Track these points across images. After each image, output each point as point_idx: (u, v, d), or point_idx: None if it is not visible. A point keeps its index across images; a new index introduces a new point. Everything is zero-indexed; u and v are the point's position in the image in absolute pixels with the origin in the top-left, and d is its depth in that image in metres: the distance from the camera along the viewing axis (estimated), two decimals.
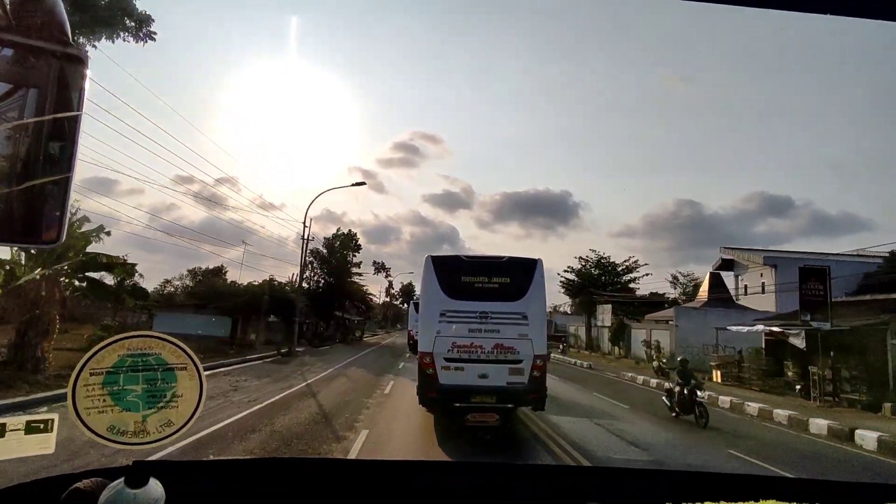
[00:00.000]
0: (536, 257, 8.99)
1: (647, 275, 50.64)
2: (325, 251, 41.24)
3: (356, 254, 44.72)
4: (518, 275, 8.71)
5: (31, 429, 0.87)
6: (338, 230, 44.77)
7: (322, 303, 37.95)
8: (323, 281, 40.28)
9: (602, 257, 42.09)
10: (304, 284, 31.30)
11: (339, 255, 42.01)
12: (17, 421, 0.87)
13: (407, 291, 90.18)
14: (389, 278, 77.16)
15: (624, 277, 41.32)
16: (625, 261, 41.65)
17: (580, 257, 44.10)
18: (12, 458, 0.91)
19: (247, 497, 0.78)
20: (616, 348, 35.17)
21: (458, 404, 8.09)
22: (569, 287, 43.40)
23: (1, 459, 0.90)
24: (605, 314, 37.73)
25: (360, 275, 45.17)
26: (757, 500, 0.85)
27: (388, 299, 78.41)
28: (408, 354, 26.63)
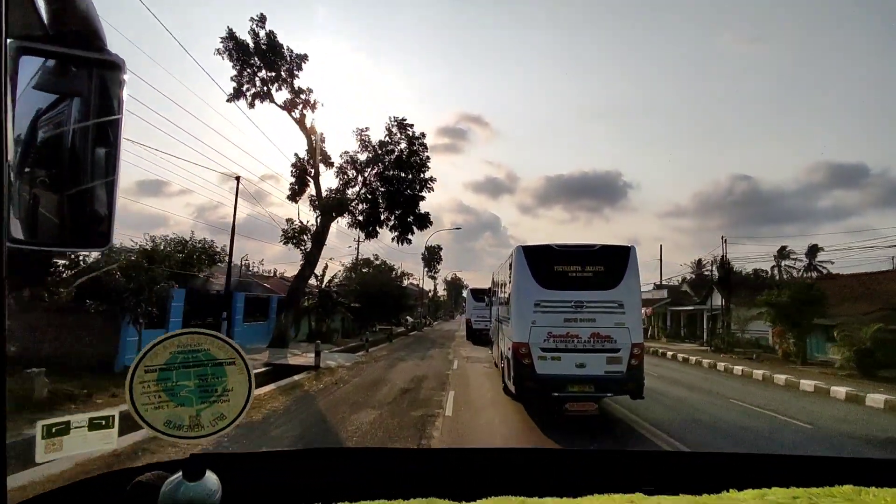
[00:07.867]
0: (629, 244, 8.82)
1: None
2: None
3: None
4: (611, 262, 8.64)
5: (94, 425, 0.91)
6: None
7: None
8: None
9: None
10: None
11: None
12: (80, 418, 0.91)
13: (430, 254, 61.04)
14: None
15: None
16: None
17: None
18: (77, 453, 0.95)
19: (301, 488, 0.79)
20: None
21: (555, 394, 8.12)
22: None
23: (67, 455, 0.94)
24: None
25: None
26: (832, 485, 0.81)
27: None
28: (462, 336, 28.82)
